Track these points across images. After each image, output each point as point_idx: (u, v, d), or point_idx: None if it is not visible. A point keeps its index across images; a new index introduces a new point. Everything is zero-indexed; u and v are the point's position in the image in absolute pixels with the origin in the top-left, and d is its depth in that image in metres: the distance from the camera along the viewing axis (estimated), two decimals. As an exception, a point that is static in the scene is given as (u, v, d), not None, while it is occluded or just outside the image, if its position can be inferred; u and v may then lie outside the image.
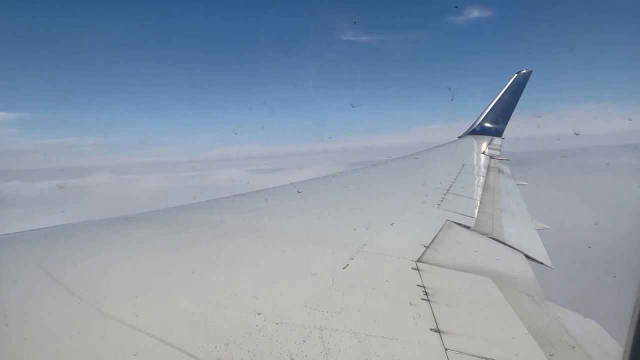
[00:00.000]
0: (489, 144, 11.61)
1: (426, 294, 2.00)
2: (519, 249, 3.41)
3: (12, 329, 1.35)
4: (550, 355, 1.68)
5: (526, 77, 14.56)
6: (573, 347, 1.82)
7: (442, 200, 4.38)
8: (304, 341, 1.45)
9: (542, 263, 3.25)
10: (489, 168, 7.92)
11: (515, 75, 14.64)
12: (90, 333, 1.36)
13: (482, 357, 1.53)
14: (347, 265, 2.24)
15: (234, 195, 4.10)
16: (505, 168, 8.62)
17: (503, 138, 13.30)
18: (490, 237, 3.59)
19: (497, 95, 14.57)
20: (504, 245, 3.52)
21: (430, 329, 1.67)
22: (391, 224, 3.25)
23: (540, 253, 3.47)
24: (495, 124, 13.97)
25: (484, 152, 10.11)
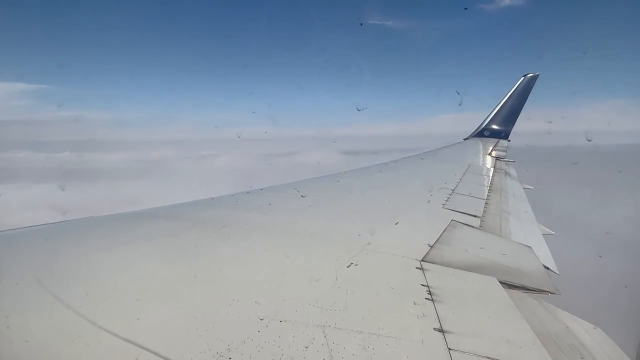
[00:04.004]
0: (495, 146, 11.56)
1: (430, 294, 1.98)
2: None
3: (5, 334, 1.33)
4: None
5: (533, 80, 14.56)
6: (582, 358, 1.78)
7: (447, 200, 4.33)
8: (307, 341, 1.44)
9: (547, 268, 3.21)
10: (495, 170, 7.85)
11: (522, 78, 14.66)
12: (88, 337, 1.34)
13: (486, 357, 1.50)
14: (351, 264, 2.22)
15: (237, 193, 4.09)
16: (512, 171, 8.53)
17: (509, 140, 13.27)
18: (497, 235, 3.55)
19: (503, 98, 14.58)
20: (510, 241, 3.47)
21: (434, 329, 1.64)
22: (396, 224, 3.22)
23: (546, 257, 3.42)
24: (501, 126, 13.98)
25: (490, 154, 10.05)
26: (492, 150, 10.57)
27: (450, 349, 1.51)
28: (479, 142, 12.40)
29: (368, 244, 2.59)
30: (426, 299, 1.92)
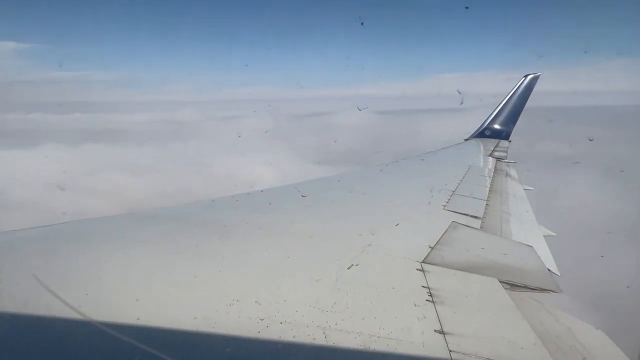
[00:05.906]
0: (496, 147, 11.57)
1: (431, 295, 1.98)
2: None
3: (5, 334, 1.33)
4: None
5: (534, 80, 14.60)
6: (584, 359, 1.77)
7: (447, 202, 4.33)
8: (307, 342, 1.44)
9: (548, 270, 3.22)
10: (495, 171, 7.84)
11: (523, 78, 14.71)
12: (89, 338, 1.35)
13: (487, 359, 1.50)
14: (352, 265, 2.22)
15: (237, 194, 4.10)
16: (512, 172, 8.52)
17: (510, 141, 13.27)
18: (497, 236, 3.55)
19: (504, 98, 14.62)
20: (511, 241, 3.47)
21: (435, 331, 1.64)
22: (396, 225, 3.22)
23: (547, 259, 3.41)
24: (502, 126, 14.01)
25: (490, 155, 10.05)
26: (492, 151, 10.58)
27: (451, 351, 1.51)
28: (479, 143, 12.43)
29: (369, 245, 2.59)
30: (427, 300, 1.92)
